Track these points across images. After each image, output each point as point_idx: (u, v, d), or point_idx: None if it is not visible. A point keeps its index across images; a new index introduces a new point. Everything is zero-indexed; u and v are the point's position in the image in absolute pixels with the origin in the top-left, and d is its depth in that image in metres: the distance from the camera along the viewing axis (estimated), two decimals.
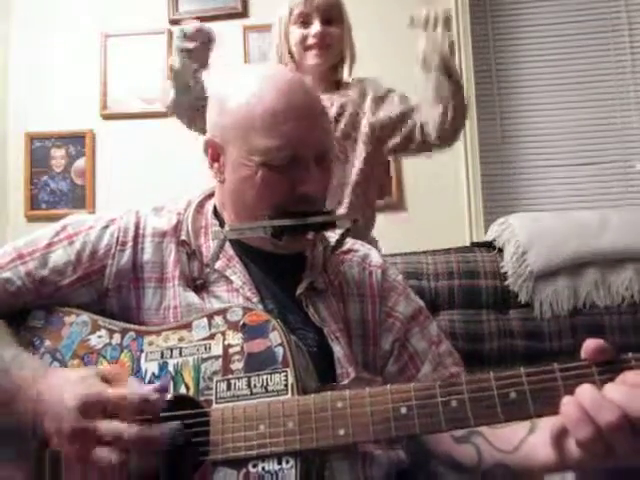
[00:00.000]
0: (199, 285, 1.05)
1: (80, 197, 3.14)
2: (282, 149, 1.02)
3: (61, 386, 0.84)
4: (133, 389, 0.84)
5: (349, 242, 1.23)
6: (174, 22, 3.19)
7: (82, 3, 3.26)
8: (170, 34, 3.18)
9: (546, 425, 0.82)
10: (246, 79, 1.09)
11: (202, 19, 3.12)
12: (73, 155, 3.17)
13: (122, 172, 3.12)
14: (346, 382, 1.01)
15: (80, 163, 3.17)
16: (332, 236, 1.18)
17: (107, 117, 3.19)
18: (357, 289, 1.17)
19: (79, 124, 3.18)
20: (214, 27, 3.10)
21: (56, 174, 3.17)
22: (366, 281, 1.19)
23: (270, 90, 1.04)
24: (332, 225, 1.09)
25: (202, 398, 0.88)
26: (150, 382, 0.91)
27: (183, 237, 1.09)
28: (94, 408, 0.81)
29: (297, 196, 1.04)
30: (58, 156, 3.18)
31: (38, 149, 3.18)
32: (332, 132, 1.12)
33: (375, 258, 1.24)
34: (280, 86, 1.05)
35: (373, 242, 1.99)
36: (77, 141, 3.18)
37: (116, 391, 0.83)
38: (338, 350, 1.04)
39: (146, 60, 3.20)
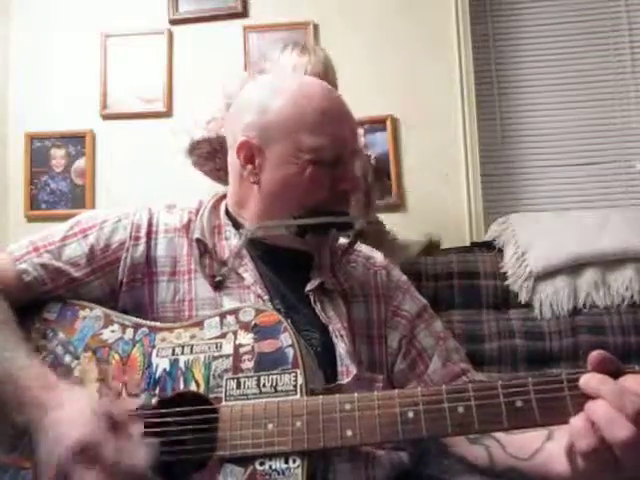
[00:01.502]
0: (218, 282, 1.07)
1: (80, 197, 3.14)
2: (332, 147, 1.07)
3: (69, 420, 0.84)
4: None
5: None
6: (174, 22, 3.20)
7: (82, 3, 3.25)
8: (170, 34, 3.19)
9: (563, 435, 0.82)
10: (284, 82, 1.16)
11: (202, 19, 3.16)
12: (73, 155, 3.17)
13: (122, 172, 3.12)
14: (348, 380, 1.02)
15: (80, 163, 3.16)
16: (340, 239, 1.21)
17: (107, 117, 3.18)
18: (361, 290, 1.19)
19: (79, 124, 3.17)
20: (214, 27, 3.15)
21: (56, 174, 3.16)
22: (370, 281, 1.21)
23: (315, 92, 1.11)
24: (352, 225, 1.13)
25: (212, 395, 0.89)
26: (160, 378, 0.93)
27: (198, 235, 1.11)
28: (85, 456, 0.80)
29: (338, 193, 1.10)
30: (58, 156, 3.17)
31: (38, 149, 3.17)
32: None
33: (379, 258, 1.26)
34: (321, 89, 1.12)
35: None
36: (77, 141, 3.17)
37: (113, 451, 0.81)
38: (342, 347, 1.05)
39: (146, 60, 3.19)
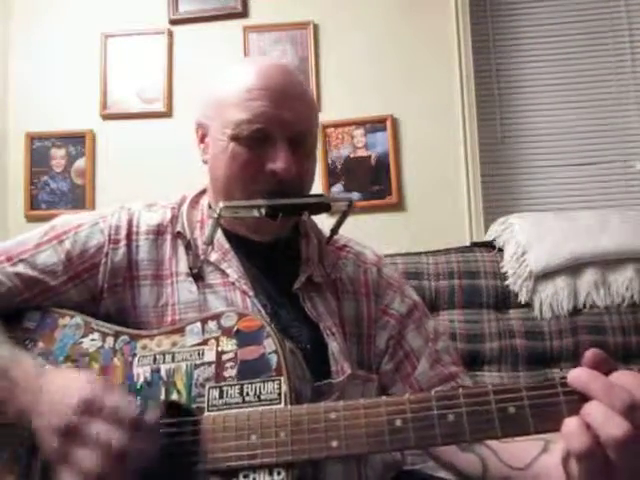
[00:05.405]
0: (195, 275, 1.05)
1: (80, 197, 3.14)
2: (252, 123, 1.04)
3: (65, 386, 0.83)
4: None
5: (344, 239, 1.24)
6: (174, 22, 3.20)
7: (82, 3, 3.25)
8: (170, 34, 3.18)
9: (560, 447, 0.79)
10: (233, 65, 1.16)
11: (202, 19, 3.16)
12: (73, 155, 3.16)
13: (122, 172, 3.11)
14: (341, 379, 1.01)
15: (80, 163, 3.16)
16: (325, 227, 1.19)
17: (107, 117, 3.18)
18: (351, 287, 1.17)
19: (79, 124, 3.17)
20: (214, 27, 3.14)
21: (56, 174, 3.16)
22: (361, 279, 1.19)
23: (250, 71, 1.09)
24: (327, 207, 1.09)
25: (194, 405, 0.87)
26: (142, 388, 0.91)
27: (179, 229, 1.10)
28: (91, 409, 0.79)
29: (266, 173, 1.05)
30: (58, 156, 3.17)
31: (38, 149, 3.17)
32: (314, 121, 1.15)
33: (370, 255, 1.24)
34: (260, 69, 1.09)
35: None
36: (77, 141, 3.16)
37: (117, 398, 0.82)
38: (334, 346, 1.04)
39: (146, 60, 3.18)
